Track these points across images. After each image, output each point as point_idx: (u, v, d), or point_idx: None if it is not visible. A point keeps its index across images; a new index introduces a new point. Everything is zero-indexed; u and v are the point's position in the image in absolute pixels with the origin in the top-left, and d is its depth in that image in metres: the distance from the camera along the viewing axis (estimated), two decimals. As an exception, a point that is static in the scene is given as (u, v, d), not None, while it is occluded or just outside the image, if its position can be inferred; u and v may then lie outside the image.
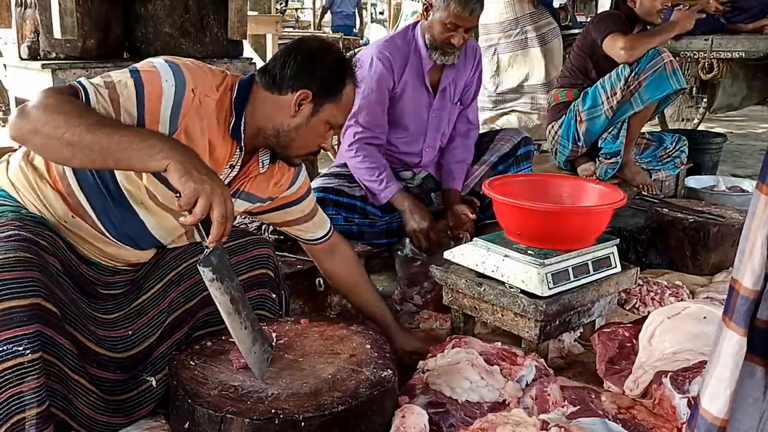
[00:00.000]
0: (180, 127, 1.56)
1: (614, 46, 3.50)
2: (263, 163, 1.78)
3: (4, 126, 6.52)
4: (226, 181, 1.73)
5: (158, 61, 1.57)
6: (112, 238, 1.67)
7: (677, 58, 3.81)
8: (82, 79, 1.51)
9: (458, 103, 2.97)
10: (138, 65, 1.57)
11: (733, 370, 1.02)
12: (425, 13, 2.75)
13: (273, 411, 1.40)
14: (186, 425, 1.46)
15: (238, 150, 1.69)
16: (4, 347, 1.31)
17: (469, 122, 3.03)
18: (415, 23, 2.86)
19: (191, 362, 1.61)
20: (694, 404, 1.12)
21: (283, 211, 1.97)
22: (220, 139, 1.65)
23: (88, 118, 1.38)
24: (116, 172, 1.58)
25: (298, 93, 1.64)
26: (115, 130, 1.38)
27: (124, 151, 1.36)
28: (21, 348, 1.32)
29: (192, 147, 1.56)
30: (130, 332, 1.65)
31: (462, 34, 2.67)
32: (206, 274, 1.45)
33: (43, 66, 2.89)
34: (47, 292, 1.39)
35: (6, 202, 1.61)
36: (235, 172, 1.73)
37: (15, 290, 1.33)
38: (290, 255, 2.35)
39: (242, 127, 1.66)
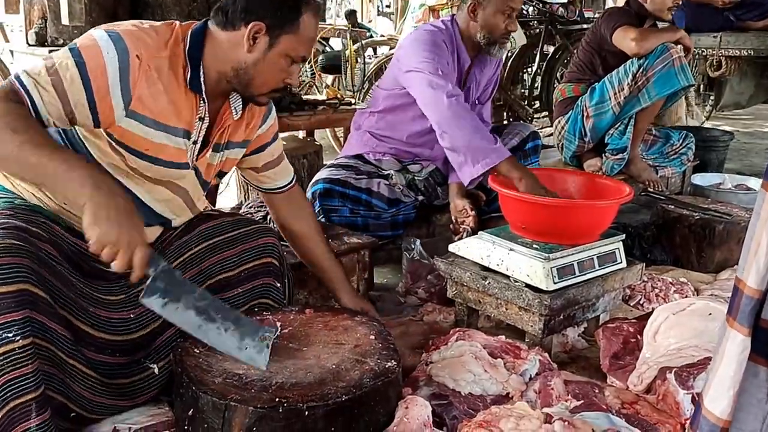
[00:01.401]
0: (134, 96, 1.54)
1: (625, 38, 3.49)
2: (236, 110, 1.75)
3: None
4: (201, 135, 1.70)
5: (98, 33, 1.53)
6: None
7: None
8: (23, 75, 1.46)
9: (478, 101, 2.97)
10: (78, 41, 1.52)
11: (737, 370, 1.01)
12: (472, 14, 2.75)
13: (277, 400, 1.40)
14: (190, 412, 1.46)
15: (202, 102, 1.65)
16: None
17: (483, 120, 3.02)
18: (452, 18, 2.85)
19: (196, 350, 1.61)
20: (696, 404, 1.11)
21: (257, 156, 1.94)
22: (183, 95, 1.62)
23: (22, 135, 1.37)
24: (93, 151, 1.59)
25: (250, 26, 1.59)
26: (45, 154, 1.37)
27: (49, 177, 1.38)
28: (11, 334, 1.32)
29: (149, 116, 1.56)
30: (132, 315, 1.65)
31: (514, 17, 2.72)
32: (155, 303, 1.45)
33: (51, 52, 2.89)
34: (36, 277, 1.38)
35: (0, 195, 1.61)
36: (207, 124, 1.69)
37: (2, 277, 1.33)
38: (295, 245, 2.34)
39: (201, 78, 1.62)
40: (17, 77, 1.47)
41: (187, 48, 1.61)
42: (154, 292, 1.44)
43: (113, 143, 1.59)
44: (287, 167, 2.04)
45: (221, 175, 1.92)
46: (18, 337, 1.33)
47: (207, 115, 1.68)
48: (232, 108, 1.74)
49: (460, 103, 2.58)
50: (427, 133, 2.88)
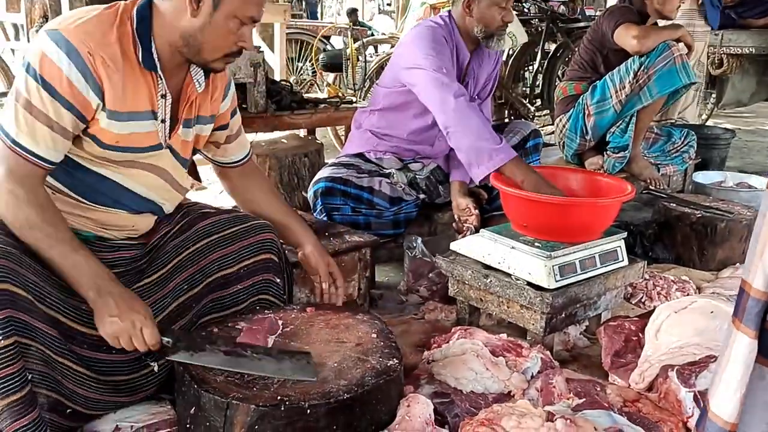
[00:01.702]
0: (103, 87, 1.53)
1: (627, 35, 3.48)
2: (199, 83, 1.71)
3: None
4: (167, 113, 1.67)
5: (46, 46, 1.48)
6: (94, 204, 1.66)
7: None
8: (17, 136, 1.48)
9: (477, 96, 2.96)
10: (33, 61, 1.48)
11: (744, 373, 1.00)
12: (467, 9, 2.74)
13: (279, 398, 1.40)
14: (192, 411, 1.46)
15: (159, 79, 1.63)
16: None
17: (482, 113, 3.02)
18: (449, 14, 2.85)
19: (197, 348, 1.61)
20: (702, 407, 1.10)
21: (221, 132, 1.90)
22: (140, 76, 1.59)
23: (37, 232, 1.48)
24: (70, 151, 1.59)
25: None
26: (56, 254, 1.48)
27: (58, 272, 1.50)
28: None
29: (112, 108, 1.56)
30: None
31: (510, 8, 2.70)
32: (182, 357, 1.50)
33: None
34: (17, 278, 1.38)
35: None
36: (170, 100, 1.67)
37: None
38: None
39: (154, 54, 1.59)
40: (13, 141, 1.48)
41: (134, 26, 1.58)
42: (178, 350, 1.50)
43: (82, 137, 1.58)
44: (245, 140, 2.01)
45: (194, 152, 1.88)
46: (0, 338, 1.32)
47: (167, 91, 1.65)
48: (195, 80, 1.70)
49: (467, 103, 2.58)
50: (428, 131, 2.88)
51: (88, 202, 1.66)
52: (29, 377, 1.37)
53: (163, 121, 1.67)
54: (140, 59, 1.58)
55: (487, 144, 2.49)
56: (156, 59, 1.59)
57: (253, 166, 2.06)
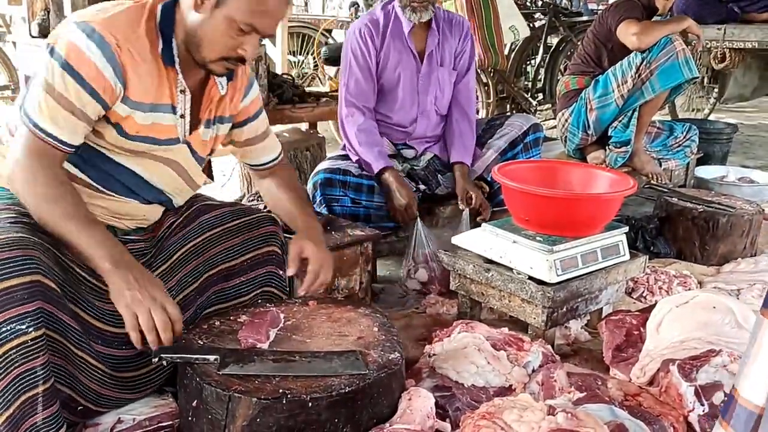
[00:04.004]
0: (127, 78, 1.55)
1: (627, 32, 3.48)
2: (222, 85, 1.74)
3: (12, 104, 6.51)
4: (187, 109, 1.69)
5: (75, 35, 1.50)
6: (108, 192, 1.67)
7: (689, 47, 3.78)
8: (38, 118, 1.49)
9: (453, 69, 2.96)
10: (59, 48, 1.50)
11: None
12: None
13: (280, 391, 1.41)
14: (194, 404, 1.46)
15: (177, 74, 1.64)
16: (8, 327, 1.31)
17: (468, 91, 3.03)
18: None
19: (200, 341, 1.62)
20: (728, 398, 1.14)
21: (239, 130, 1.89)
22: (162, 70, 1.61)
23: (55, 206, 1.48)
24: (89, 138, 1.60)
25: None
26: (73, 229, 1.47)
27: (75, 247, 1.48)
28: (24, 326, 1.32)
29: (136, 99, 1.58)
30: None
31: None
32: (234, 369, 1.48)
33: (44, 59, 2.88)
34: (46, 269, 1.39)
35: (2, 194, 1.61)
36: (189, 96, 1.68)
37: (14, 269, 1.33)
38: (298, 237, 2.34)
39: (174, 50, 1.61)
40: (35, 124, 1.50)
41: (157, 21, 1.60)
42: (227, 365, 1.49)
43: (105, 125, 1.60)
44: (273, 145, 1.99)
45: (211, 152, 1.89)
46: (30, 329, 1.32)
47: (186, 87, 1.67)
48: (218, 82, 1.73)
49: (362, 129, 2.79)
50: (407, 111, 2.92)
51: (102, 189, 1.66)
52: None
53: (182, 116, 1.69)
54: (161, 54, 1.60)
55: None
56: (175, 55, 1.62)
57: (283, 168, 2.03)
